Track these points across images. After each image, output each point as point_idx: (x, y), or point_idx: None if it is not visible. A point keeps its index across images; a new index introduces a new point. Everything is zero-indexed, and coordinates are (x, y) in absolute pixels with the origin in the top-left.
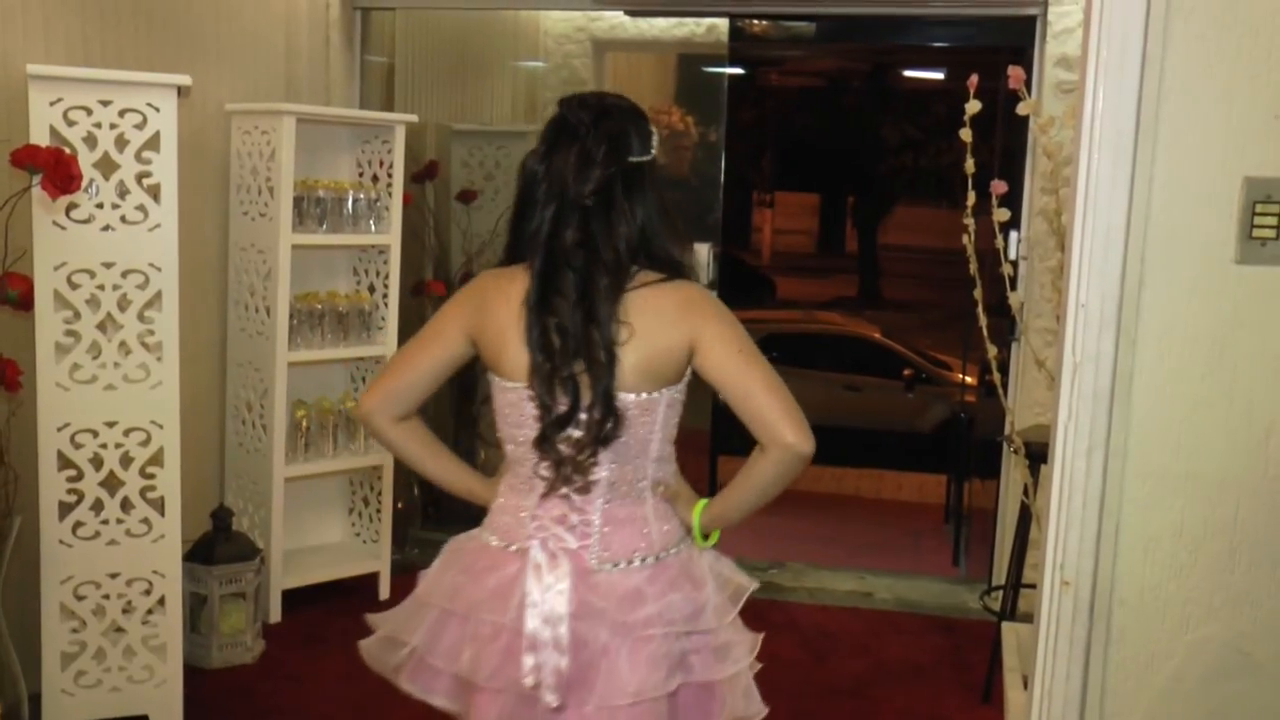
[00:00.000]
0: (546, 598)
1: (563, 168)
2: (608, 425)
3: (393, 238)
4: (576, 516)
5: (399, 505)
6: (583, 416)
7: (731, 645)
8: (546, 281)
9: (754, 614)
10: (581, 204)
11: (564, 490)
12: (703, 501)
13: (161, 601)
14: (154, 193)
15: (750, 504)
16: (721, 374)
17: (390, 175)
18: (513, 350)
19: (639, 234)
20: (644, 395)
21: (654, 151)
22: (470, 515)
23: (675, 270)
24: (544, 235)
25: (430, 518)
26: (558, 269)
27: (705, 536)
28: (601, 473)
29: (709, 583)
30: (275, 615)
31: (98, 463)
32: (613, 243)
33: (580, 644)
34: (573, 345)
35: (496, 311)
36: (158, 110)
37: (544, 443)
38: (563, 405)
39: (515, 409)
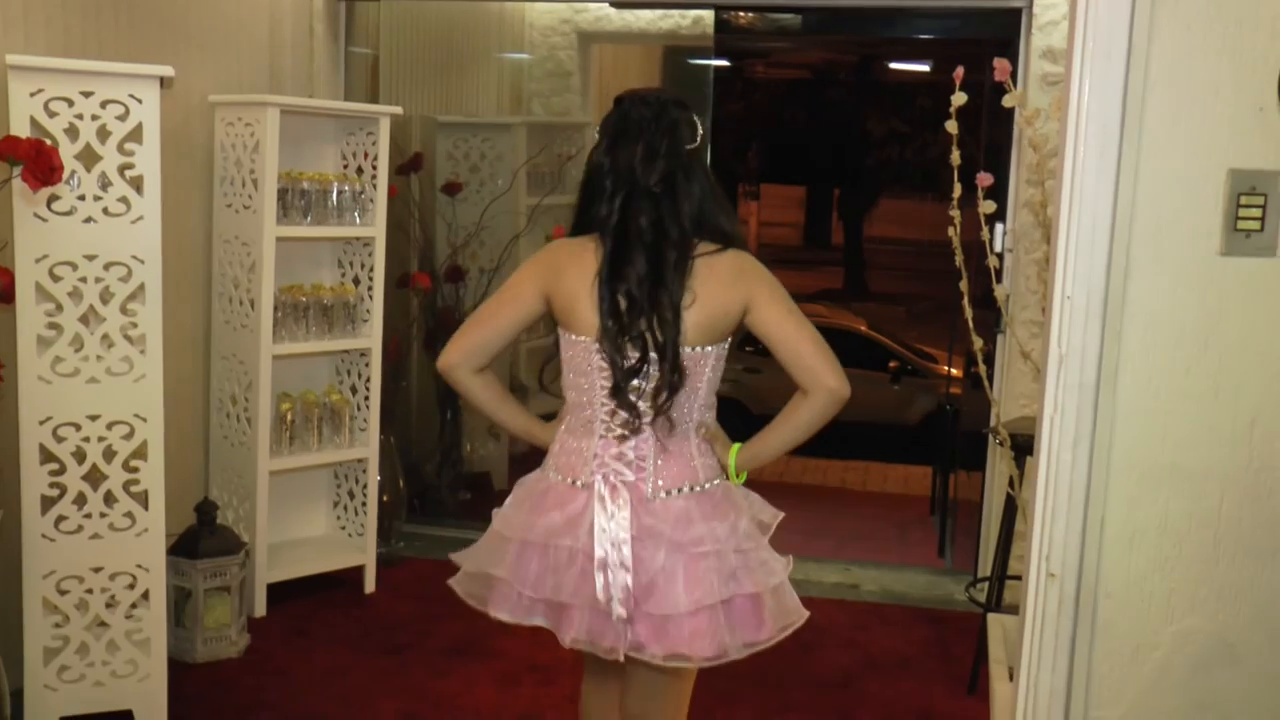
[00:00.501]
0: (611, 524)
1: (630, 160)
2: (675, 376)
3: (377, 230)
4: (633, 453)
5: (384, 498)
6: (651, 369)
7: (769, 561)
8: (617, 258)
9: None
10: (650, 191)
11: (622, 431)
12: (737, 445)
13: (145, 596)
14: (137, 185)
15: (787, 444)
16: (773, 329)
17: (375, 167)
18: (582, 310)
19: (698, 212)
20: (698, 349)
21: (700, 138)
22: (454, 510)
23: (728, 240)
24: (614, 220)
25: (416, 510)
26: (629, 247)
27: (738, 476)
28: (652, 416)
29: (745, 509)
30: (260, 609)
31: (80, 456)
32: (679, 222)
33: (641, 563)
34: (639, 309)
35: (569, 276)
36: (140, 101)
37: (617, 391)
38: (632, 359)
39: (583, 360)
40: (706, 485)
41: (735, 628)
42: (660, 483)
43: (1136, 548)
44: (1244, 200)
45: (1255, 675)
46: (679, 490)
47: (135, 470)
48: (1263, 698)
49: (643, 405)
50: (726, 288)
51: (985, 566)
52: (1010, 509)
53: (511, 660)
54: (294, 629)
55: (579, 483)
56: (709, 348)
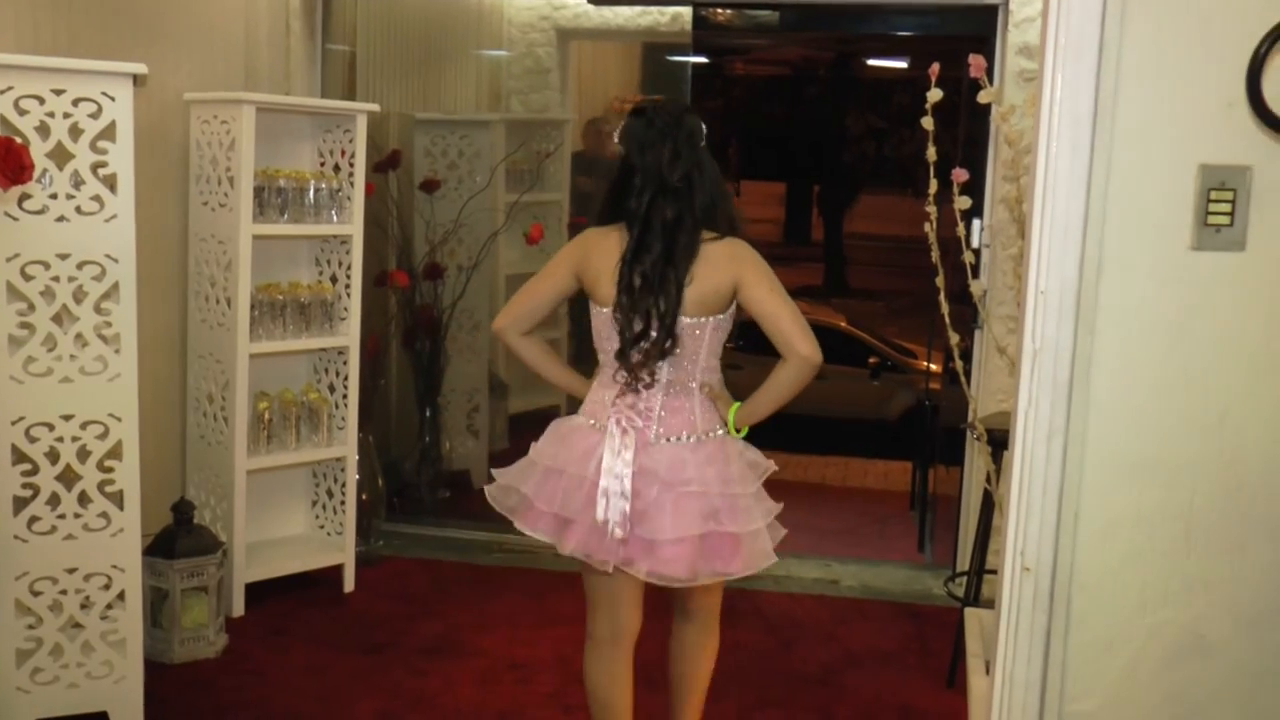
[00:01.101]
0: (617, 462)
1: (656, 161)
2: (667, 343)
3: (355, 228)
4: (643, 404)
5: (363, 497)
6: (653, 335)
7: (752, 509)
8: (641, 243)
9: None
10: (674, 188)
11: (635, 386)
12: (737, 404)
13: (121, 596)
14: (110, 183)
15: (772, 403)
16: (756, 305)
17: (352, 165)
18: (605, 285)
19: (709, 203)
20: (696, 320)
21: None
22: (433, 508)
23: (730, 228)
24: (643, 212)
25: (395, 509)
26: (652, 234)
27: (738, 430)
28: (662, 375)
29: (736, 460)
30: (238, 609)
31: (54, 456)
32: (694, 213)
33: (638, 495)
34: (650, 287)
35: (595, 258)
36: (113, 99)
37: (622, 354)
38: (637, 328)
39: (605, 326)
40: (704, 436)
41: (710, 558)
42: (662, 430)
43: (1110, 541)
44: (1214, 195)
45: (1226, 666)
46: (678, 438)
47: (110, 470)
48: (1233, 688)
49: (642, 364)
50: (721, 269)
51: (964, 561)
52: (988, 504)
53: (491, 658)
54: (272, 629)
55: (598, 425)
56: (706, 319)
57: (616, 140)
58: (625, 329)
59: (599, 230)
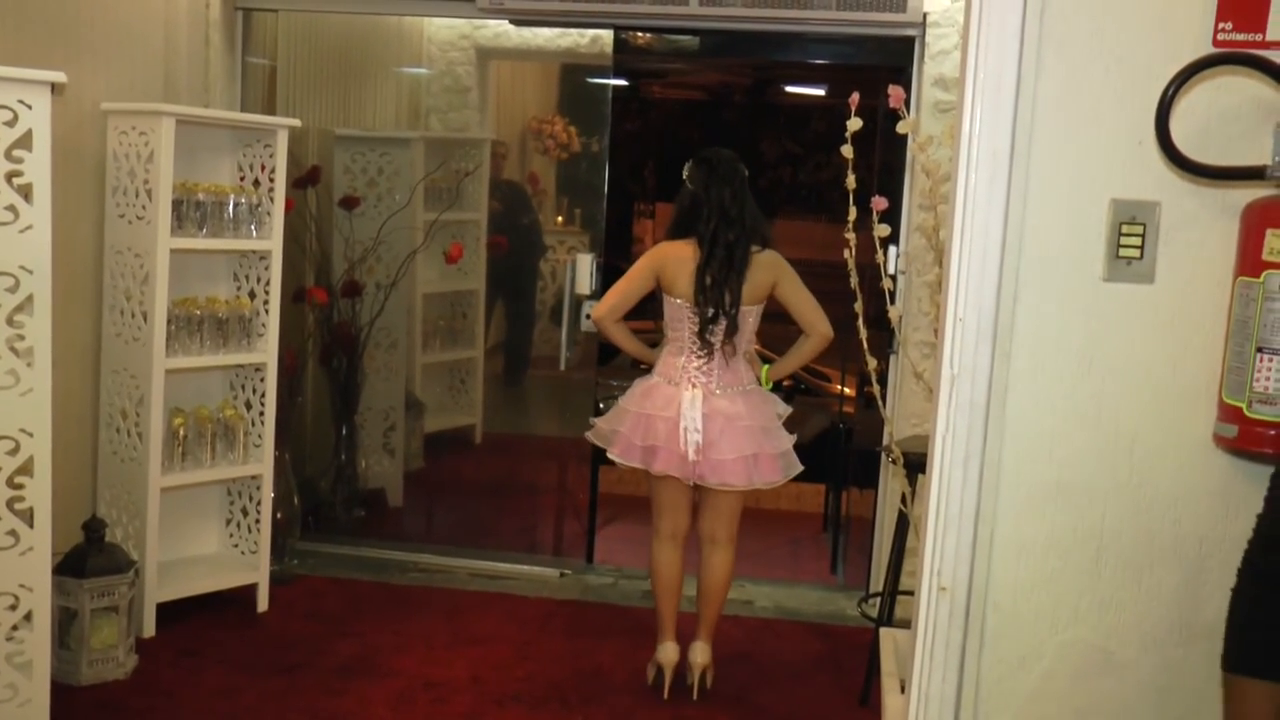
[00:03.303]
0: (691, 408)
1: (720, 197)
2: (732, 325)
3: (274, 243)
4: (706, 366)
5: (278, 515)
6: (722, 320)
7: (782, 434)
8: (711, 255)
9: (635, 622)
10: (734, 217)
11: (703, 354)
12: (766, 365)
13: (28, 617)
14: (25, 193)
15: (794, 365)
16: (789, 298)
17: (272, 180)
18: (681, 284)
19: (754, 224)
20: (745, 308)
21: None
22: (348, 527)
23: (764, 242)
24: (709, 234)
25: (310, 528)
26: (719, 249)
27: (767, 383)
28: (723, 346)
29: (769, 403)
30: (149, 629)
31: None
32: (746, 234)
33: (707, 429)
34: (719, 286)
35: (673, 264)
36: (30, 108)
37: (701, 333)
38: (710, 314)
39: (678, 313)
40: (748, 387)
41: (759, 471)
42: (721, 384)
43: (1024, 561)
44: (1125, 229)
45: (1132, 683)
46: (732, 389)
47: (20, 487)
48: (1139, 704)
49: (713, 340)
50: (764, 273)
51: (877, 582)
52: (903, 525)
53: (407, 679)
54: (184, 649)
55: (671, 382)
56: (752, 307)
57: (685, 178)
58: (701, 315)
59: (672, 243)
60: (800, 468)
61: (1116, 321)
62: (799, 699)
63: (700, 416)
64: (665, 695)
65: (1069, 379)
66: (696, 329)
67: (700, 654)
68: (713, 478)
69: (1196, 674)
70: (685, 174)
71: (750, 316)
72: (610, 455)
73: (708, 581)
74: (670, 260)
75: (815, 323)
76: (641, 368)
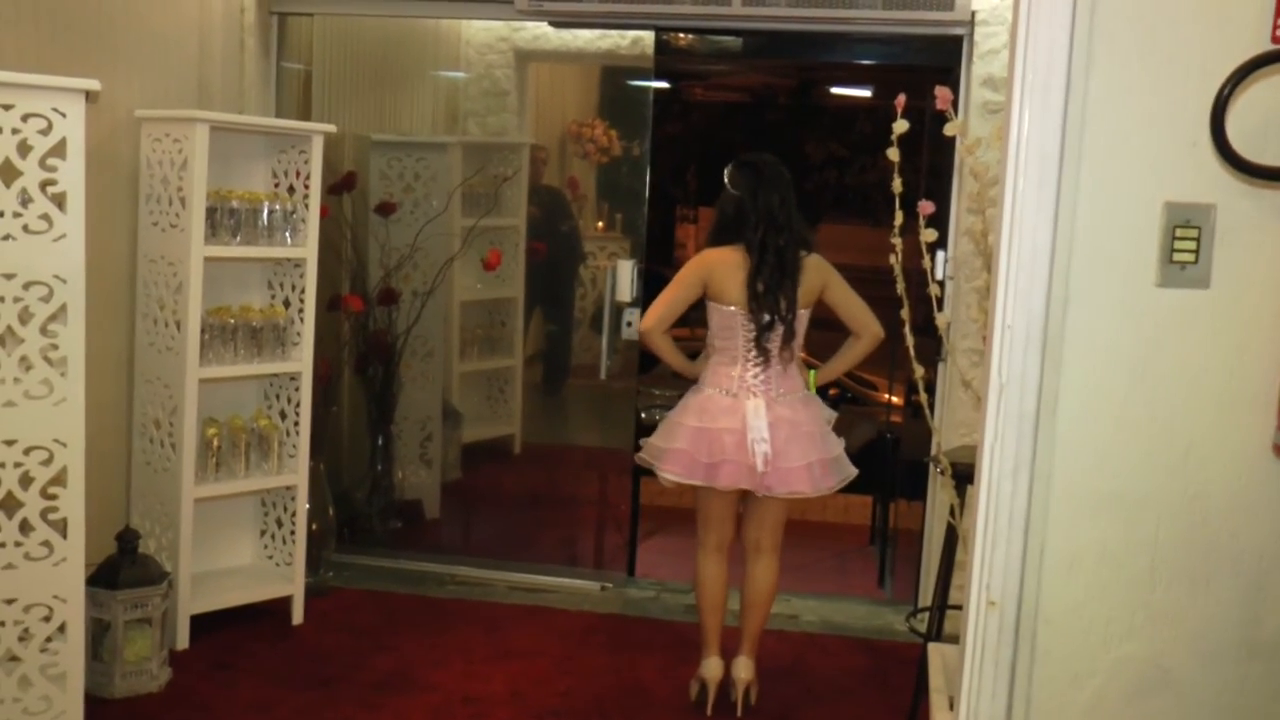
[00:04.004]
0: (756, 418)
1: (769, 202)
2: (790, 330)
3: (309, 251)
4: (764, 374)
5: (313, 527)
6: (779, 326)
7: (833, 438)
8: (762, 261)
9: (677, 636)
10: (781, 223)
11: (759, 361)
12: (813, 371)
13: (62, 629)
14: (59, 201)
15: (845, 367)
16: (838, 300)
17: (307, 186)
18: (731, 291)
19: (800, 230)
20: (799, 312)
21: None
22: (384, 539)
23: (809, 247)
24: (758, 240)
25: (346, 539)
26: (769, 255)
27: (816, 390)
28: (780, 353)
29: (821, 408)
30: (183, 641)
31: None
32: (793, 237)
33: (773, 438)
34: (772, 292)
35: (719, 271)
36: (64, 116)
37: (759, 340)
38: (766, 320)
39: (729, 321)
40: (801, 394)
41: (818, 477)
42: (779, 391)
43: (1075, 575)
44: (1179, 233)
45: (1188, 701)
46: (789, 395)
47: (54, 497)
48: None
49: (770, 347)
50: (813, 277)
51: (925, 596)
52: (951, 538)
53: (444, 693)
54: (218, 662)
55: (728, 393)
56: (804, 311)
57: (728, 183)
58: (757, 322)
59: (717, 250)
60: (854, 471)
61: (1171, 328)
62: (845, 716)
63: (766, 426)
64: (709, 712)
65: (1121, 387)
66: (752, 336)
67: (744, 669)
68: (781, 487)
69: (1259, 692)
70: (727, 179)
71: (803, 321)
72: (667, 477)
73: (753, 592)
74: (718, 268)
75: (868, 323)
76: (680, 378)
